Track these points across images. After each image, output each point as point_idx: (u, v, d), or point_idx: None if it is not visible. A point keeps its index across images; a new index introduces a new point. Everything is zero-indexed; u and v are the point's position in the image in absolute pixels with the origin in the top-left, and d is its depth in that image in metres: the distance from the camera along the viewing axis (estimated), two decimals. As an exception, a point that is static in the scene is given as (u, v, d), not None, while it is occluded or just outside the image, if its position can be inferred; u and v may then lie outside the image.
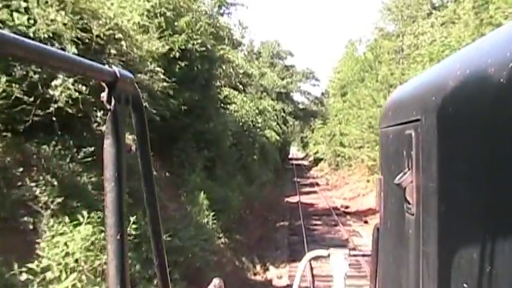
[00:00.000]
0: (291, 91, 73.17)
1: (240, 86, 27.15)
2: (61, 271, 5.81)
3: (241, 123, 24.61)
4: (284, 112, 68.02)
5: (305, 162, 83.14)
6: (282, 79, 69.95)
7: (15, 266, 5.46)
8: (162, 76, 10.09)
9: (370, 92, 36.30)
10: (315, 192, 37.97)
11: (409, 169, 1.63)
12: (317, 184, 45.16)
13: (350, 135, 41.03)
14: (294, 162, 79.15)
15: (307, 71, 78.49)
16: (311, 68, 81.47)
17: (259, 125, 26.54)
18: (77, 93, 7.15)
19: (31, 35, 6.71)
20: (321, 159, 67.32)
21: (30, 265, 5.65)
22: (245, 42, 59.00)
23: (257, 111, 27.86)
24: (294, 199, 32.97)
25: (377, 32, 44.42)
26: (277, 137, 49.45)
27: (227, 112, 21.44)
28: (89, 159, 7.58)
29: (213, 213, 13.28)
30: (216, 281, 2.17)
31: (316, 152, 72.34)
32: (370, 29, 47.16)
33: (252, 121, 25.44)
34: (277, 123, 59.41)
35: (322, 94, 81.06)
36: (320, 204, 30.43)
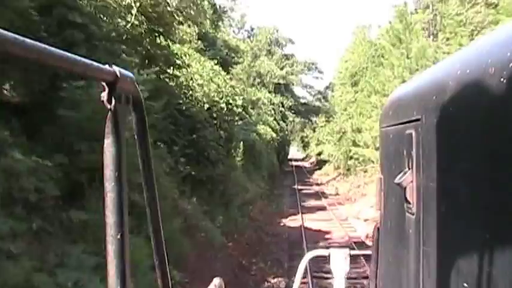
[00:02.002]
0: (291, 83, 62.60)
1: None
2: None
3: (206, 106, 14.17)
4: (283, 106, 57.53)
5: (306, 164, 72.70)
6: (281, 69, 59.49)
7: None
8: None
9: (400, 71, 25.87)
10: (322, 208, 27.42)
11: (409, 169, 1.62)
12: (323, 194, 34.58)
13: (368, 132, 30.67)
14: (294, 163, 68.84)
15: (310, 62, 67.99)
16: (314, 59, 70.87)
17: (240, 110, 15.91)
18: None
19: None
20: (325, 161, 56.86)
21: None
22: (235, 17, 48.69)
23: (237, 90, 17.15)
24: (294, 221, 22.46)
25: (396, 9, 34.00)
26: (274, 134, 38.89)
27: (171, 81, 11.01)
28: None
29: None
30: (216, 280, 1.92)
31: (320, 153, 61.85)
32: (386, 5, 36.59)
33: (229, 104, 15.10)
34: (275, 119, 49.06)
35: (327, 88, 70.49)
36: (334, 233, 19.90)
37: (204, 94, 14.09)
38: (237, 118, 14.90)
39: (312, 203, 29.70)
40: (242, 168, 23.99)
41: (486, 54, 1.08)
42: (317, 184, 43.25)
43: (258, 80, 47.28)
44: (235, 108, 14.85)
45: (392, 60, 27.44)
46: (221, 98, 14.63)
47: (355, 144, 35.88)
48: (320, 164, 59.87)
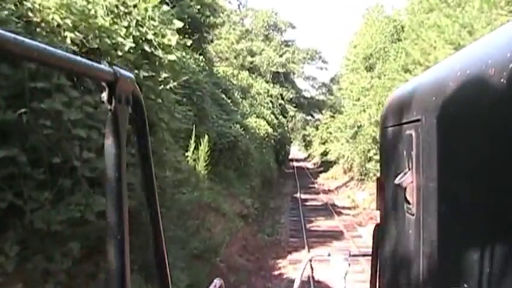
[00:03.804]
0: (292, 72, 53.43)
1: None
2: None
3: (71, 38, 5.22)
4: (282, 99, 48.43)
5: (308, 165, 63.84)
6: (280, 56, 50.40)
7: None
8: None
9: (456, 31, 16.84)
10: (338, 234, 18.38)
11: (409, 169, 1.59)
12: (335, 208, 25.52)
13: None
14: (295, 164, 60.08)
15: (313, 50, 58.82)
16: (317, 48, 61.58)
17: (174, 58, 7.01)
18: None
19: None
20: (330, 162, 47.86)
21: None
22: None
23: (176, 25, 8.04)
24: (298, 266, 13.43)
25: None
26: (270, 129, 29.87)
27: None
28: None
29: None
30: (216, 281, 2.00)
31: (325, 153, 52.84)
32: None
33: (145, 40, 6.21)
34: (273, 113, 40.05)
35: (332, 80, 61.36)
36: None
37: (68, 15, 5.15)
38: (165, 75, 6.03)
39: (321, 223, 20.65)
40: (213, 179, 14.99)
41: (486, 55, 1.05)
42: (324, 191, 34.18)
43: (249, 59, 38.00)
44: (160, 53, 5.98)
45: (439, 20, 18.43)
46: (127, 28, 5.73)
47: (375, 141, 27.03)
48: (325, 165, 50.89)
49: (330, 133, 46.25)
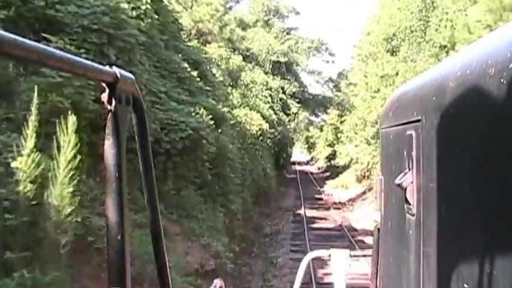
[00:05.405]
0: (295, 62, 45.93)
1: None
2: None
3: None
4: (284, 93, 40.96)
5: (312, 169, 56.46)
6: (282, 44, 42.96)
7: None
8: None
9: None
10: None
11: (409, 169, 1.57)
12: (355, 235, 18.05)
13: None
14: (298, 167, 52.81)
15: (318, 40, 51.33)
16: (323, 39, 54.12)
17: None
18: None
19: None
20: (339, 167, 40.46)
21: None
22: None
23: None
24: None
25: None
26: (265, 125, 22.37)
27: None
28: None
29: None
30: (216, 281, 1.92)
31: (332, 156, 45.46)
32: None
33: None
34: (271, 107, 32.67)
35: (339, 75, 53.85)
36: None
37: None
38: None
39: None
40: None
41: (486, 55, 1.05)
42: (335, 205, 26.70)
43: (240, 33, 30.34)
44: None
45: None
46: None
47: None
48: (332, 170, 43.50)
49: (341, 132, 38.74)
